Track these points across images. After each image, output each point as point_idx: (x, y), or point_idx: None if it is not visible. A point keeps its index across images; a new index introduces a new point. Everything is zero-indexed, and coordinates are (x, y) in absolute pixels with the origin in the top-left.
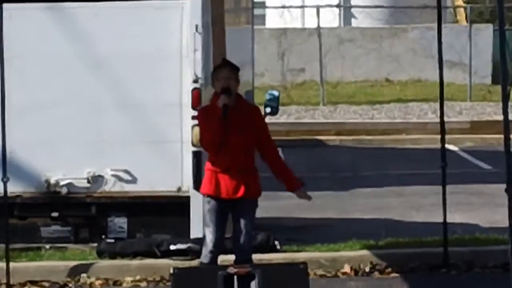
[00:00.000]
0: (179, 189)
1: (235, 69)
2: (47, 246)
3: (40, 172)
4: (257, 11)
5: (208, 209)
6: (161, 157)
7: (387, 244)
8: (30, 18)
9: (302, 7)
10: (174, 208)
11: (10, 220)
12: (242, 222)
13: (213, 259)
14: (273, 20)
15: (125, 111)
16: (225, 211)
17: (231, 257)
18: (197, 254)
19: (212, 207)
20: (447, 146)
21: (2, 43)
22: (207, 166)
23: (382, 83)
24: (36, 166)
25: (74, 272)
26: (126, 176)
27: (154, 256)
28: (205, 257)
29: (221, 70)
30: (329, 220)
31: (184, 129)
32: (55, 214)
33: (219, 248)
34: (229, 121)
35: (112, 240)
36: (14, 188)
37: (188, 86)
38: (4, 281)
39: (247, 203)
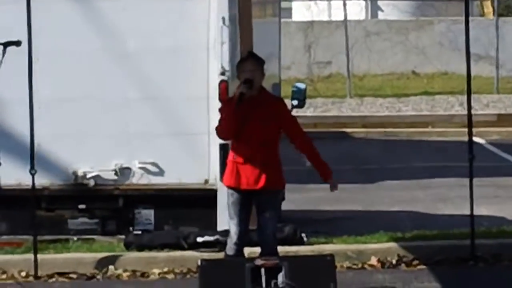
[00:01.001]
0: (206, 182)
1: (260, 61)
2: (75, 238)
3: (68, 165)
4: (283, 4)
5: (231, 201)
6: (188, 150)
7: (414, 236)
8: (58, 12)
9: (329, 0)
10: (201, 200)
11: (38, 212)
12: (266, 215)
13: (238, 251)
14: (300, 13)
15: (153, 104)
16: (247, 203)
17: (258, 249)
18: (224, 246)
19: (235, 199)
20: (474, 139)
21: (30, 38)
22: (229, 157)
23: (409, 75)
24: (64, 158)
25: (102, 264)
26: (153, 169)
27: (181, 248)
28: (230, 249)
29: (246, 62)
30: (356, 212)
31: (211, 122)
32: (82, 206)
33: (244, 240)
34: (251, 112)
35: (140, 232)
36: (42, 180)
37: (215, 79)
38: (32, 272)
39: (269, 195)
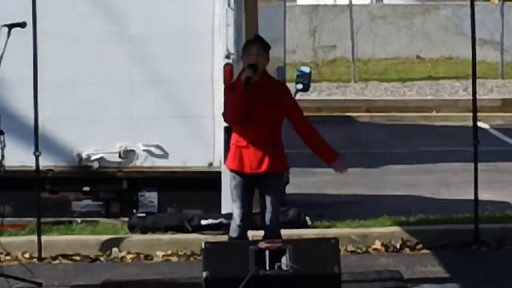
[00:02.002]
0: (210, 165)
1: (265, 46)
2: (79, 220)
3: (72, 147)
4: None
5: (234, 184)
6: (193, 133)
7: (418, 220)
8: None
9: None
10: (205, 183)
11: (42, 194)
12: (268, 198)
13: (242, 233)
14: None
15: (157, 87)
16: (250, 186)
17: (262, 233)
18: (228, 229)
19: (237, 182)
20: (478, 124)
21: (35, 20)
22: (232, 141)
23: (413, 60)
24: (68, 140)
25: (105, 246)
26: (157, 151)
27: (185, 230)
28: (233, 231)
29: (252, 46)
30: (360, 196)
31: (216, 105)
32: (86, 189)
33: (247, 222)
34: (254, 96)
35: (144, 215)
36: (46, 162)
37: (220, 62)
38: (36, 254)
39: (272, 178)
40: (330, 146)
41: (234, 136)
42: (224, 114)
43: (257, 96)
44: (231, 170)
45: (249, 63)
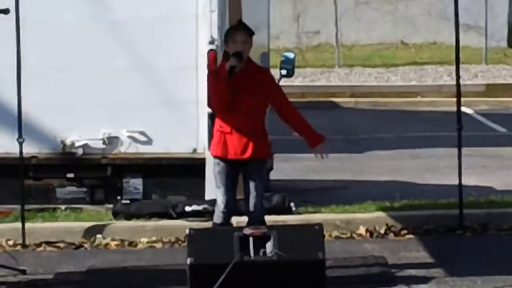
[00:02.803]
0: (194, 151)
1: (250, 33)
2: (63, 207)
3: (56, 133)
4: None
5: (217, 171)
6: (177, 119)
7: (402, 206)
8: None
9: None
10: (190, 169)
11: (26, 181)
12: (252, 184)
13: (226, 219)
14: None
15: (141, 73)
16: (234, 172)
17: (246, 219)
18: (212, 215)
19: (221, 168)
20: (462, 109)
21: (18, 6)
22: (216, 127)
23: (398, 45)
24: (52, 127)
25: (90, 233)
26: (141, 138)
27: (170, 217)
28: (217, 217)
29: (238, 33)
30: (344, 182)
31: (200, 91)
32: (70, 175)
33: (231, 208)
34: (238, 83)
35: (128, 202)
36: (30, 149)
37: (204, 48)
38: (20, 241)
39: (256, 164)
40: (315, 131)
41: (218, 122)
42: (209, 102)
43: (241, 83)
44: (215, 156)
45: (235, 50)
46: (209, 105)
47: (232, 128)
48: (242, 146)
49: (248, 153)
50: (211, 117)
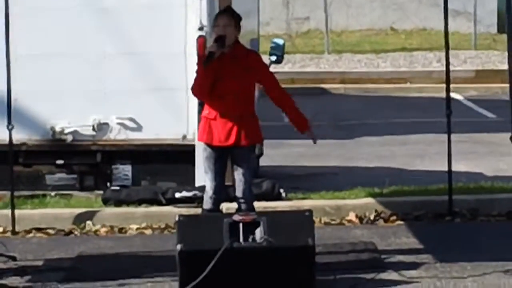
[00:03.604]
0: (184, 137)
1: (234, 16)
2: (52, 194)
3: (46, 120)
4: None
5: (205, 156)
6: (166, 105)
7: (392, 192)
8: None
9: None
10: (179, 156)
11: (15, 168)
12: (240, 170)
13: (215, 205)
14: None
15: (130, 59)
16: (221, 158)
17: (235, 205)
18: (202, 201)
19: (208, 154)
20: (452, 95)
21: None
22: (203, 113)
23: (387, 31)
24: (42, 113)
25: (79, 219)
26: (131, 124)
27: (159, 203)
28: (206, 203)
29: (221, 17)
30: (334, 168)
31: (189, 77)
32: (60, 162)
33: (219, 194)
34: (223, 68)
35: (118, 188)
36: (19, 135)
37: (193, 34)
38: (10, 228)
39: (242, 151)
40: (303, 115)
41: (205, 108)
42: (192, 88)
43: (225, 68)
44: (202, 142)
45: (218, 34)
46: (192, 91)
47: (218, 113)
48: (226, 133)
49: (232, 139)
50: (201, 104)
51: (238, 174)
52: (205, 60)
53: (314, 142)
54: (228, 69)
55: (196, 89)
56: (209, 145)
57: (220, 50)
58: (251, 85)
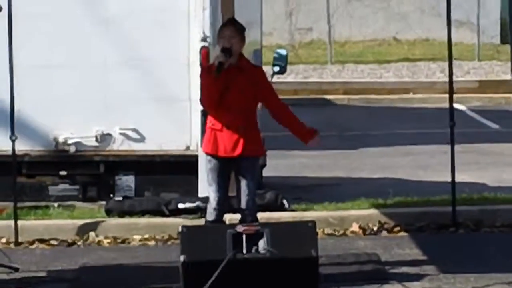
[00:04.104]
0: (187, 148)
1: (239, 28)
2: (55, 205)
3: (49, 131)
4: None
5: (209, 168)
6: (170, 116)
7: (395, 203)
8: None
9: None
10: (182, 166)
11: (18, 179)
12: (244, 181)
13: (218, 216)
14: None
15: (134, 70)
16: (226, 169)
17: (239, 216)
18: (205, 212)
19: (213, 166)
20: (455, 105)
21: (10, 3)
22: (207, 124)
23: (390, 42)
24: (45, 124)
25: (82, 230)
26: (134, 135)
27: (163, 214)
28: (210, 215)
29: (226, 29)
30: (337, 179)
31: (193, 88)
32: (63, 173)
33: (223, 206)
34: (229, 80)
35: (121, 199)
36: (23, 146)
37: (197, 45)
38: (13, 239)
39: (247, 162)
40: (306, 127)
41: (210, 119)
42: (200, 99)
43: (232, 80)
44: (207, 154)
45: (223, 46)
46: (200, 101)
47: (223, 125)
48: (233, 144)
49: (238, 150)
50: (204, 114)
51: (243, 185)
52: (216, 70)
53: (318, 144)
54: (235, 81)
55: (205, 100)
56: (214, 156)
57: (228, 60)
58: (255, 99)
